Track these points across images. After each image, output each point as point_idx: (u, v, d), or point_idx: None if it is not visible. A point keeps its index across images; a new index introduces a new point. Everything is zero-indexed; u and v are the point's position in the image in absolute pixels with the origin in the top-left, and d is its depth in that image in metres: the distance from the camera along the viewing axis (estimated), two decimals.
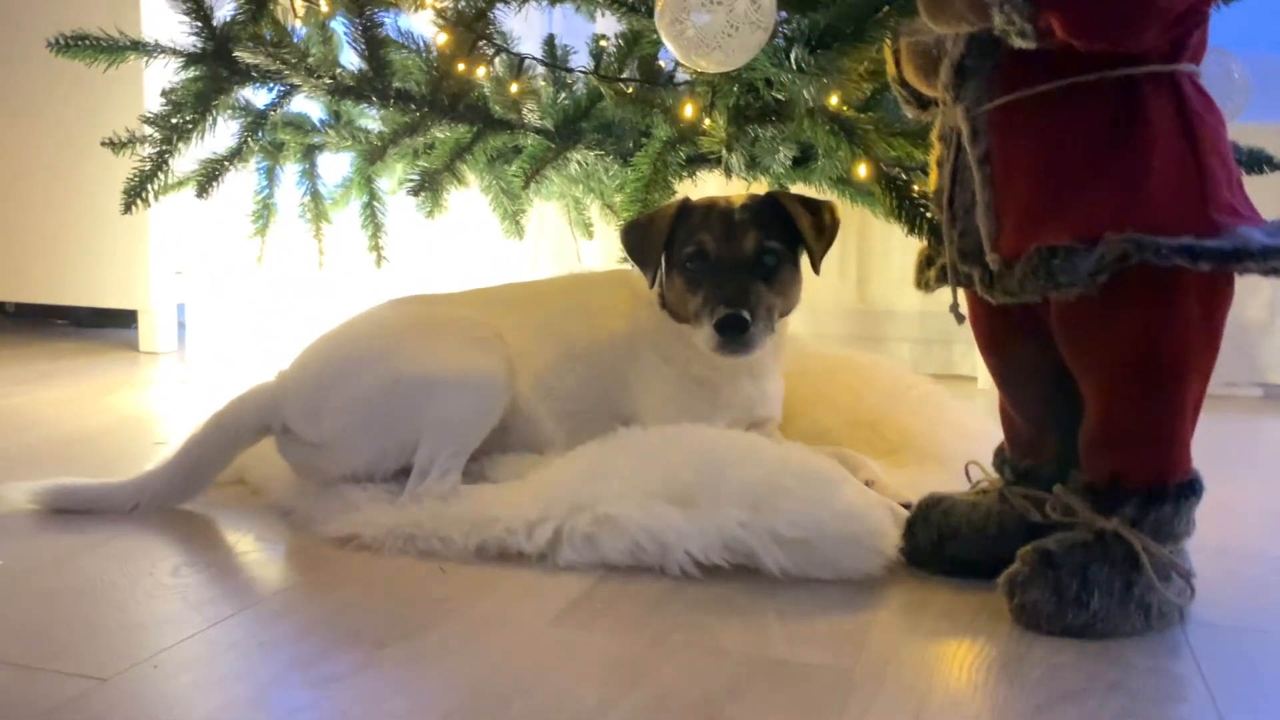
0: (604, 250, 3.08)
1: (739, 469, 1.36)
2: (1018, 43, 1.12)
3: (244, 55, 1.51)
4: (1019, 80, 1.17)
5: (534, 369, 1.62)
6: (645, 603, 1.25)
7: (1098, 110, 1.14)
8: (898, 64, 1.37)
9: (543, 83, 2.04)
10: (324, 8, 1.74)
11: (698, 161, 1.87)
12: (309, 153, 2.23)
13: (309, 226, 2.34)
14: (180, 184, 1.97)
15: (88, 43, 1.64)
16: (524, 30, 2.14)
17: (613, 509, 1.35)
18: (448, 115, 1.71)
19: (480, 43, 1.60)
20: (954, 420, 1.71)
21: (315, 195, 2.30)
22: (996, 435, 1.45)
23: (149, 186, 1.62)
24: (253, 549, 1.46)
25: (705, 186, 2.04)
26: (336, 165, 2.35)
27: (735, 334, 1.45)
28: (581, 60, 2.20)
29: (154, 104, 2.98)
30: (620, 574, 1.33)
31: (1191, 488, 1.21)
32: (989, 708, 1.04)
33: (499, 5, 1.65)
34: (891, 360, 1.88)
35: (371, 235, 2.22)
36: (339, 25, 1.79)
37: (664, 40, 1.30)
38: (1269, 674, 1.14)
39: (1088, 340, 1.19)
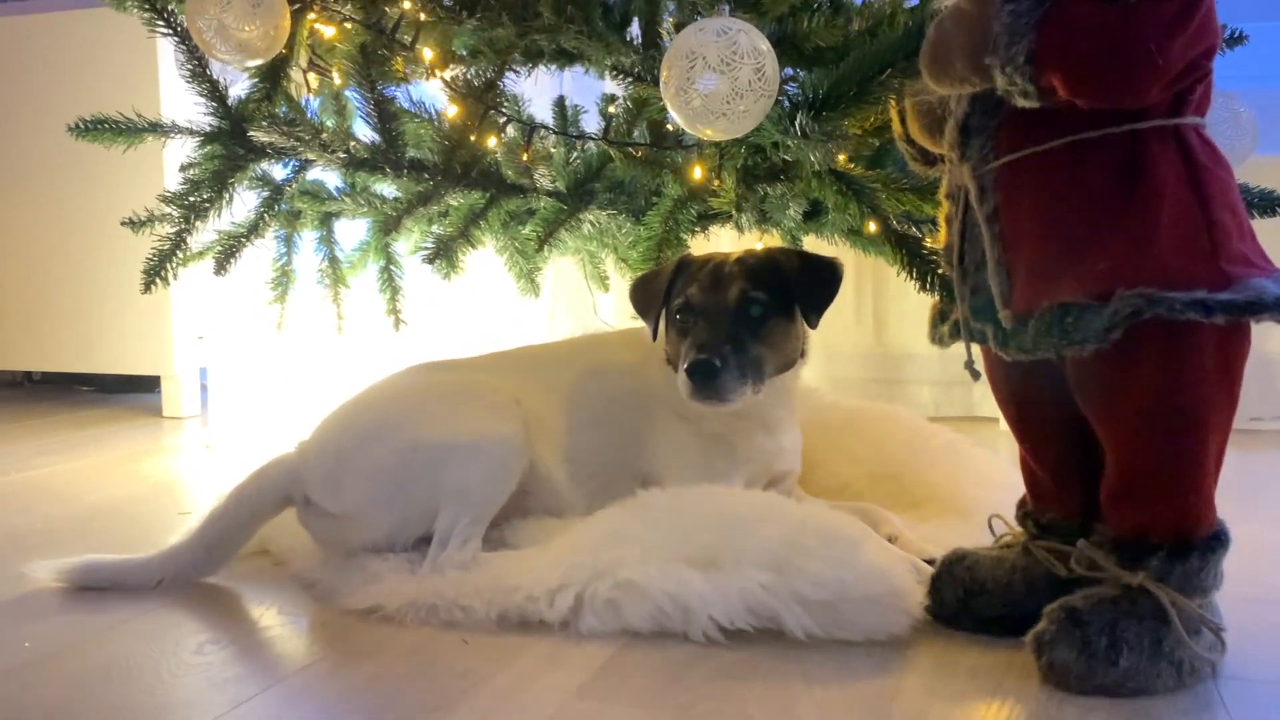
0: (619, 302, 3.10)
1: (760, 530, 1.36)
2: (1021, 103, 1.12)
3: (259, 135, 1.53)
4: (1024, 138, 1.18)
5: (551, 432, 1.62)
6: (670, 671, 1.24)
7: (1103, 166, 1.14)
8: (903, 122, 1.38)
9: (554, 148, 2.06)
10: (336, 81, 1.77)
11: (709, 218, 1.88)
12: (325, 219, 2.26)
13: (327, 291, 2.36)
14: (200, 255, 2.01)
15: (106, 126, 1.67)
16: (534, 91, 2.17)
17: (634, 574, 1.35)
18: (461, 182, 1.73)
19: (490, 112, 1.62)
20: (975, 470, 1.70)
21: (333, 260, 2.33)
22: (1018, 484, 1.44)
23: (168, 265, 1.65)
24: (276, 623, 1.46)
25: (718, 241, 2.05)
26: (353, 229, 2.38)
27: (705, 379, 1.44)
28: (592, 118, 2.23)
29: (174, 177, 3.06)
30: (643, 640, 1.32)
31: (1218, 539, 1.20)
32: None
33: (509, 74, 1.67)
34: (909, 410, 1.87)
35: (389, 299, 2.24)
36: (352, 96, 1.81)
37: (670, 109, 1.31)
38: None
39: (1105, 393, 1.19)
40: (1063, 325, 1.12)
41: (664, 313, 1.57)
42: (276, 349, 3.16)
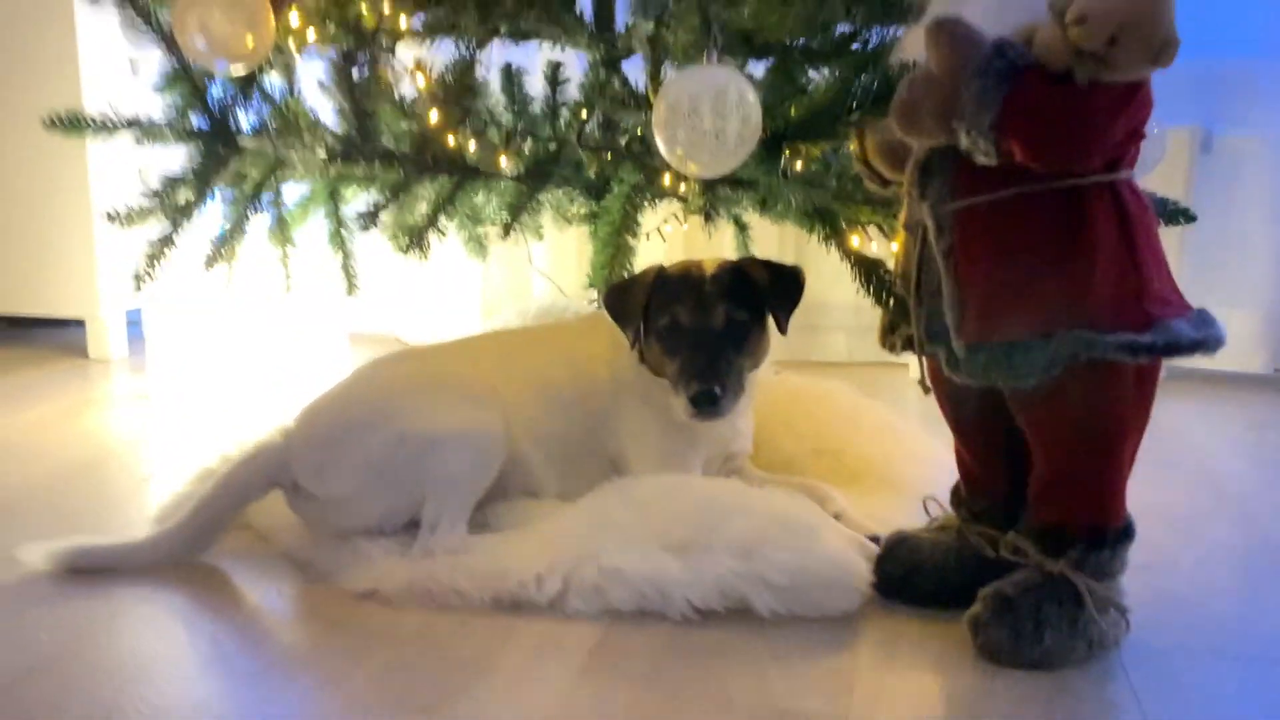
0: (552, 250, 3.19)
1: (730, 520, 1.51)
2: (981, 160, 1.26)
3: (246, 142, 1.56)
4: (978, 184, 1.32)
5: (525, 417, 1.74)
6: (656, 651, 1.40)
7: (1048, 215, 1.29)
8: (862, 144, 1.50)
9: (504, 118, 2.11)
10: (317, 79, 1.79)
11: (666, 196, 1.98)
12: (273, 180, 2.28)
13: (274, 249, 2.39)
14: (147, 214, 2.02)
15: (84, 122, 1.67)
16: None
17: (617, 560, 1.49)
18: (431, 171, 1.79)
19: (468, 115, 1.68)
20: (909, 448, 1.88)
21: (280, 221, 2.35)
22: (945, 460, 1.63)
23: (155, 265, 1.68)
24: (279, 608, 1.56)
25: (668, 220, 2.16)
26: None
27: (708, 405, 1.59)
28: (535, 81, 2.28)
29: (90, 89, 3.00)
30: (626, 621, 1.47)
31: (1126, 532, 1.40)
32: None
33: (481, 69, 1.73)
34: (848, 386, 2.03)
35: (343, 262, 2.29)
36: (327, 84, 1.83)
37: (657, 141, 1.40)
38: (1194, 690, 1.33)
39: (1037, 409, 1.36)
40: (1010, 360, 1.29)
41: (645, 319, 1.68)
42: (213, 297, 3.16)
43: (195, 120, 1.61)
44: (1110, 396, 1.31)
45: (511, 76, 2.28)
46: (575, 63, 2.11)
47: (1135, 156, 1.32)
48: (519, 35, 2.02)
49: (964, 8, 1.28)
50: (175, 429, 2.51)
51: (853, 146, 1.51)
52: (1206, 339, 1.27)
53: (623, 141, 1.98)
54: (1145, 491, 1.48)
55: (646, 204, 1.98)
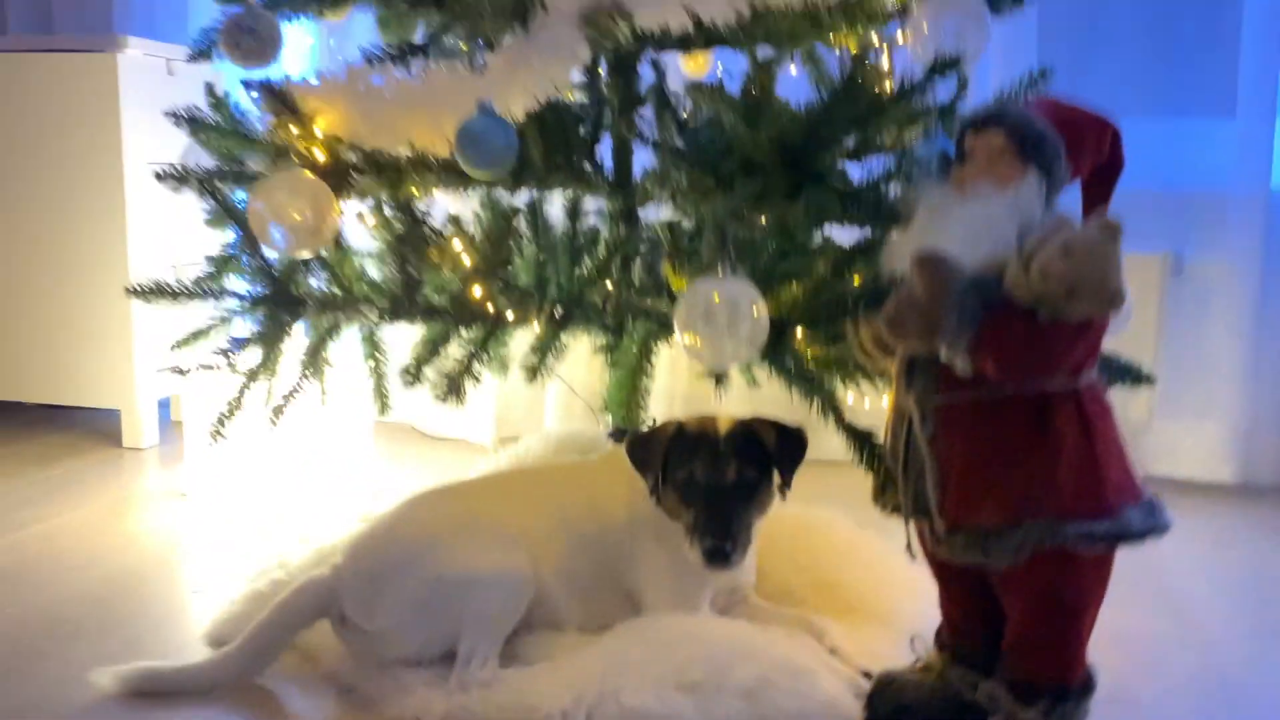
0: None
1: (738, 664, 1.69)
2: (958, 369, 1.46)
3: (311, 297, 1.76)
4: (958, 385, 1.51)
5: (550, 555, 1.92)
6: None
7: (1019, 415, 1.48)
8: (857, 333, 1.70)
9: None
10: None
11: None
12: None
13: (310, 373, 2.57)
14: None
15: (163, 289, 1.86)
16: None
17: (634, 700, 1.67)
18: (468, 321, 1.98)
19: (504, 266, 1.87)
20: (900, 580, 2.06)
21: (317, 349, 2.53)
22: (931, 591, 1.81)
23: (225, 422, 1.86)
24: None
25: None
26: None
27: (720, 560, 1.78)
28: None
29: (134, 208, 3.21)
30: None
31: (1087, 686, 1.59)
32: None
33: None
34: (844, 519, 2.22)
35: (376, 385, 2.46)
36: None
37: (676, 330, 1.59)
38: None
39: (1009, 581, 1.55)
40: (984, 544, 1.48)
41: (663, 470, 1.87)
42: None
43: (259, 288, 1.80)
44: (1071, 576, 1.50)
45: (536, 211, 2.49)
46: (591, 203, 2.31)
47: (1095, 362, 1.52)
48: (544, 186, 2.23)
49: (942, 234, 1.48)
50: (216, 531, 2.69)
51: (849, 336, 1.71)
52: (1155, 526, 1.47)
53: (637, 286, 2.17)
54: (1107, 613, 1.64)
55: (663, 343, 2.18)
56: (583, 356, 3.28)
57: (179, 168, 1.98)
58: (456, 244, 1.85)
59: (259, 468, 3.19)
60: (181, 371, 2.00)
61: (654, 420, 2.08)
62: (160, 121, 2.09)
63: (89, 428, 3.61)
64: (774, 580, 2.05)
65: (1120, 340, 1.70)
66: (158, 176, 1.98)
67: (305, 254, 1.72)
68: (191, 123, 1.93)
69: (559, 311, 2.06)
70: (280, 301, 1.80)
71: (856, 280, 1.66)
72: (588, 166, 2.13)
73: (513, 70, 1.62)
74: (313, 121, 1.73)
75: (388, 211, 1.82)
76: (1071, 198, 1.63)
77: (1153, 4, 3.34)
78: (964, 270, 1.42)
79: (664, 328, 2.10)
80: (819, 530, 2.14)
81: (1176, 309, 3.08)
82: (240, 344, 1.82)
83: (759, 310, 1.49)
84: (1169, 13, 3.36)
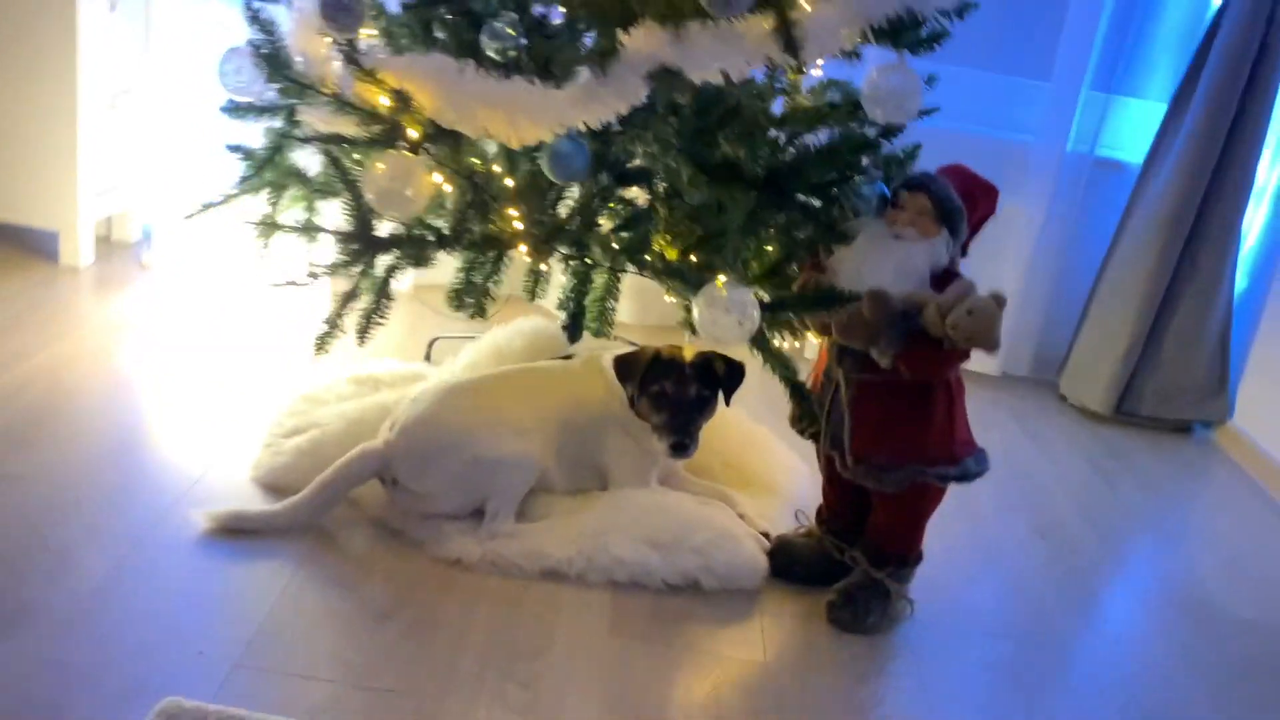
0: None
1: (689, 528, 2.44)
2: (881, 363, 2.18)
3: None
4: (875, 368, 2.23)
5: (548, 439, 2.56)
6: (654, 614, 2.32)
7: (911, 394, 2.23)
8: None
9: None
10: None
11: None
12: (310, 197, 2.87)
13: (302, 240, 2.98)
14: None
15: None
16: None
17: (619, 552, 2.39)
18: (496, 249, 2.51)
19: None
20: (784, 461, 2.85)
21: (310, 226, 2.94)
22: (810, 471, 2.61)
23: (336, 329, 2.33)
24: (401, 574, 2.34)
25: None
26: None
27: (681, 452, 2.48)
28: None
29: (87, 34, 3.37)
30: (623, 590, 2.38)
31: (919, 557, 2.44)
32: (839, 663, 2.23)
33: None
34: (745, 414, 2.96)
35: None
36: None
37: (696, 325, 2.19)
38: (942, 650, 2.41)
39: (885, 496, 2.35)
40: (878, 475, 2.25)
41: (640, 384, 2.52)
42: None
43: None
44: (925, 497, 2.32)
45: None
46: None
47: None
48: None
49: (879, 265, 2.16)
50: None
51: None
52: (982, 471, 2.29)
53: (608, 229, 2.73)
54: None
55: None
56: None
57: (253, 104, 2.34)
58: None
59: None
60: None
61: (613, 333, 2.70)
62: None
63: (14, 245, 3.79)
64: (695, 460, 2.79)
65: None
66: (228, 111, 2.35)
67: (400, 219, 2.18)
68: (270, 60, 2.27)
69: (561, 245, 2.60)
70: (364, 240, 2.24)
71: (802, 271, 2.31)
72: None
73: (586, 100, 2.09)
74: (402, 95, 2.14)
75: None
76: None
77: None
78: (897, 304, 2.12)
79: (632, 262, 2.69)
80: (729, 423, 2.88)
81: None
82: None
83: (755, 311, 2.13)
84: None
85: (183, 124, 3.70)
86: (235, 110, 2.58)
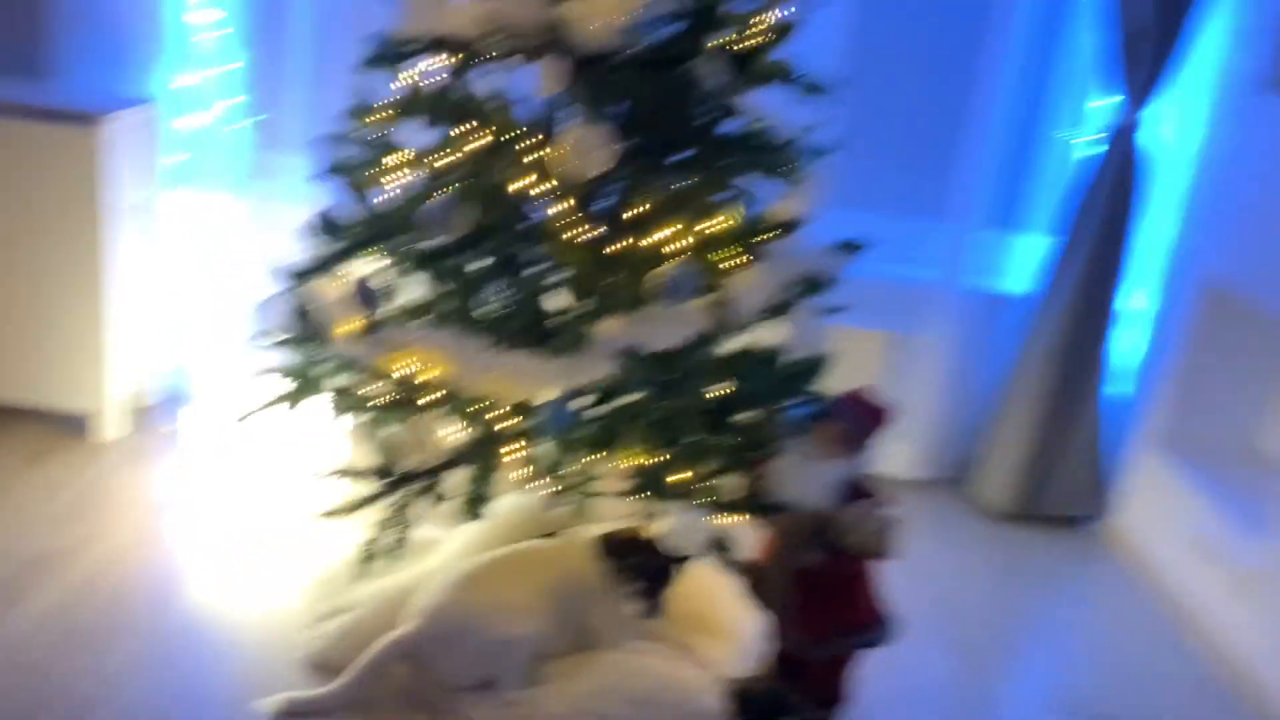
0: None
1: (662, 692, 3.03)
2: (807, 561, 2.77)
3: None
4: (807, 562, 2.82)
5: (545, 613, 3.10)
6: None
7: (835, 582, 2.83)
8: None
9: None
10: None
11: None
12: None
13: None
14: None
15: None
16: None
17: (606, 710, 2.97)
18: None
19: None
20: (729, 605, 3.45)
21: None
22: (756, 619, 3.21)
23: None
24: None
25: None
26: None
27: (656, 615, 3.07)
28: None
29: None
30: None
31: (838, 699, 3.05)
32: None
33: None
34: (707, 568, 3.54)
35: None
36: None
37: None
38: None
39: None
40: (806, 647, 2.85)
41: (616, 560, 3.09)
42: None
43: None
44: (840, 655, 2.93)
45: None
46: None
47: None
48: None
49: (805, 480, 2.76)
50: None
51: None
52: (886, 637, 2.90)
53: None
54: None
55: None
56: None
57: None
58: None
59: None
60: None
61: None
62: None
63: (51, 427, 4.13)
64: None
65: None
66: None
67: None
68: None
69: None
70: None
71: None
72: None
73: (570, 372, 2.68)
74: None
75: None
76: None
77: (889, 119, 4.52)
78: (817, 519, 2.72)
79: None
80: (690, 577, 3.45)
81: (897, 368, 4.50)
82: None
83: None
84: (904, 128, 4.58)
85: (200, 303, 4.24)
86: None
